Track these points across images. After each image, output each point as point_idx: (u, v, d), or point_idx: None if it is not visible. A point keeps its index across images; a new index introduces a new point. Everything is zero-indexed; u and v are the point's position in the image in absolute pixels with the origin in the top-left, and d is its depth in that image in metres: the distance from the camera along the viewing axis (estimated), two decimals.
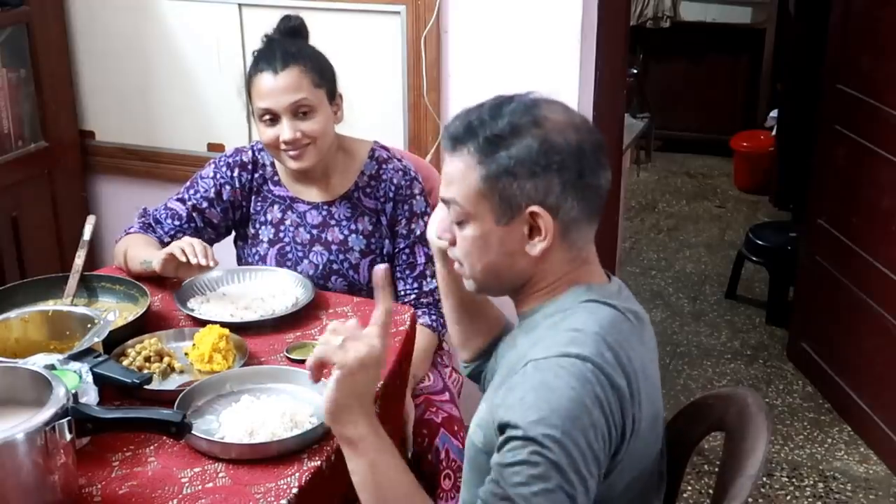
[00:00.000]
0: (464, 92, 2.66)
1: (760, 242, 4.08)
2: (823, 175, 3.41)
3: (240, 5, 2.85)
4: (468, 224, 1.35)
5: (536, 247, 1.33)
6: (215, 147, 3.01)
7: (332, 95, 2.14)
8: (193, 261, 1.94)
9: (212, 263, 1.95)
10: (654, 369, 1.39)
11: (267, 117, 2.09)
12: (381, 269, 1.35)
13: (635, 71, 5.39)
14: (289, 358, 1.83)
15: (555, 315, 1.35)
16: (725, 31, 5.86)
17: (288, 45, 2.11)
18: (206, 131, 3.03)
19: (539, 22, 2.55)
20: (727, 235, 5.00)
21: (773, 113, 5.50)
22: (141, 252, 2.11)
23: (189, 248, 1.95)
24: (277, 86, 2.06)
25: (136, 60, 3.05)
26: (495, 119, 1.32)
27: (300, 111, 2.07)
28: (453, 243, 1.40)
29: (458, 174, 1.34)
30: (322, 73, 2.11)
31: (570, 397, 1.22)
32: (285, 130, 2.07)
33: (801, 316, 3.66)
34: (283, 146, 2.09)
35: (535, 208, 1.30)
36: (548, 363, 1.26)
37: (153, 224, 2.21)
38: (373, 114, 2.71)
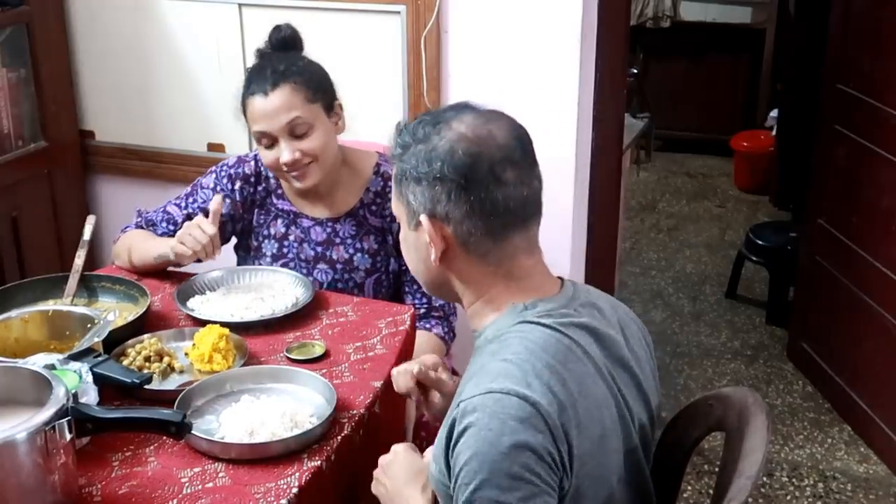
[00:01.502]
0: (464, 92, 2.65)
1: (760, 242, 4.08)
2: (823, 175, 3.41)
3: (240, 5, 2.85)
4: (400, 225, 1.43)
5: (431, 254, 1.35)
6: (215, 147, 3.01)
7: (330, 107, 2.08)
8: (204, 259, 2.01)
9: (216, 256, 2.02)
10: (598, 387, 1.33)
11: (264, 140, 2.05)
12: None
13: (635, 71, 5.39)
14: (289, 358, 1.83)
15: (494, 341, 1.33)
16: (725, 31, 5.86)
17: (277, 62, 2.05)
18: (206, 131, 3.03)
19: (539, 22, 2.54)
20: (727, 235, 5.00)
21: (773, 113, 5.49)
22: (151, 246, 2.11)
23: (200, 248, 1.99)
24: (269, 107, 2.01)
25: (136, 60, 3.05)
26: (414, 126, 1.35)
27: (296, 131, 2.02)
28: None
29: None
30: (315, 87, 2.05)
31: (489, 440, 1.21)
32: (284, 152, 2.02)
33: (801, 316, 3.66)
34: (284, 168, 2.05)
35: (422, 217, 1.33)
36: (472, 403, 1.24)
37: (145, 226, 2.20)
38: (373, 114, 2.71)
